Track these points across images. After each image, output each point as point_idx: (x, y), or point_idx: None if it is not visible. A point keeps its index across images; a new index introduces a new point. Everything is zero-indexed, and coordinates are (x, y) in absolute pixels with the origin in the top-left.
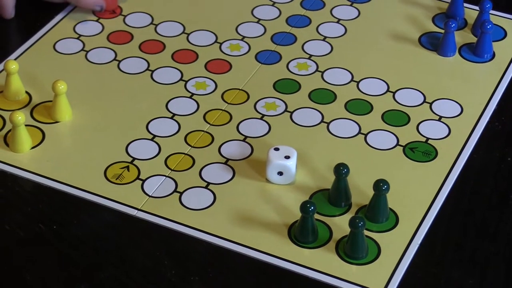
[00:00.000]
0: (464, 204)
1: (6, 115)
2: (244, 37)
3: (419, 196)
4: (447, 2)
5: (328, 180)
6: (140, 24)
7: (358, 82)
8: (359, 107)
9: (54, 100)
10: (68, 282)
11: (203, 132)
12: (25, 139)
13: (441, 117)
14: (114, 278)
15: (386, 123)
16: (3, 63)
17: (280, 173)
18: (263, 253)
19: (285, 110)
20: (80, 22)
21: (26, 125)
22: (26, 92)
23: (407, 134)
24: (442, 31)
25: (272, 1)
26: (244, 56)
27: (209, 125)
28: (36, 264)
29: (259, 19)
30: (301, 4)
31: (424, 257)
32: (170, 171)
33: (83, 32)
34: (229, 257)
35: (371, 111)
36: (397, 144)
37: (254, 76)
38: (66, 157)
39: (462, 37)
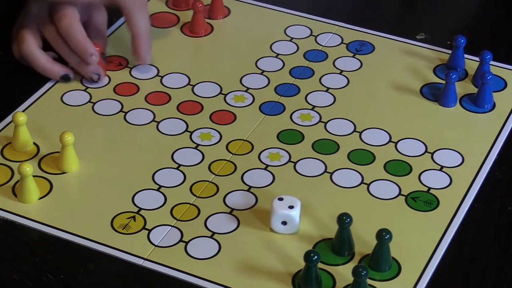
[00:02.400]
0: (466, 253)
1: (14, 166)
2: (248, 88)
3: (421, 245)
4: (448, 54)
5: (331, 230)
6: (146, 76)
7: (360, 133)
8: (361, 157)
9: (62, 151)
10: None
11: (208, 183)
12: (33, 189)
13: (442, 167)
14: None
15: (388, 173)
16: (11, 115)
17: (284, 223)
18: None
19: (289, 161)
20: None
21: (34, 176)
22: (34, 143)
23: (409, 184)
24: (443, 82)
25: (275, 53)
26: (248, 107)
27: (214, 175)
28: None
29: (263, 71)
30: (304, 55)
31: None
32: (175, 221)
33: (90, 84)
34: None
35: (373, 161)
36: (399, 194)
37: (258, 127)
38: (73, 208)
39: (463, 87)
